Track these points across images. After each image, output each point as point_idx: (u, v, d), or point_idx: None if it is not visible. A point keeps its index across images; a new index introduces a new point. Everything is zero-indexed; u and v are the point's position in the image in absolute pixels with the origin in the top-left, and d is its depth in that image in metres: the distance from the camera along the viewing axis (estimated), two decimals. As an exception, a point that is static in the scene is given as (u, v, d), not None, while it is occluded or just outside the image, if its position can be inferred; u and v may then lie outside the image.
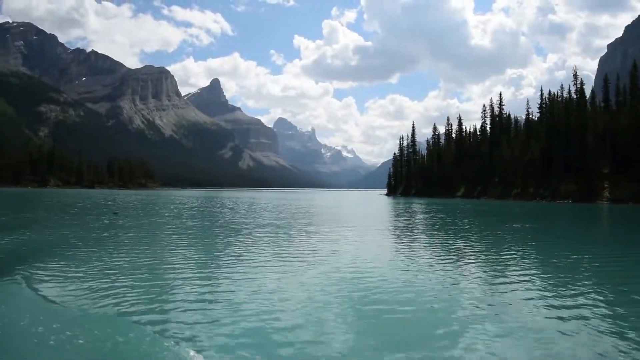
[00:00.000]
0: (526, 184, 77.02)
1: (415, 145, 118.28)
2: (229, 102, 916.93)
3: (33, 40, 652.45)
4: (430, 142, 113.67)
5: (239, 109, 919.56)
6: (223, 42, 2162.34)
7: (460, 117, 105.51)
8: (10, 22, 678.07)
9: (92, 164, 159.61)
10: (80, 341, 5.88)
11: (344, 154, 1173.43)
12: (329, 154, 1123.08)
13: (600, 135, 67.63)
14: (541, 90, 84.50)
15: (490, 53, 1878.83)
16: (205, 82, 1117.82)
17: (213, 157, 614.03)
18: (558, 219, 35.67)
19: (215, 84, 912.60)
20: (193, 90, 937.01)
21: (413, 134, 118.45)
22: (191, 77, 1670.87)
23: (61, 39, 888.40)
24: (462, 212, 41.28)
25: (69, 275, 10.28)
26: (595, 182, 66.23)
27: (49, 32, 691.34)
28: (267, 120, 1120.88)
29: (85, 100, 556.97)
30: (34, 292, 8.50)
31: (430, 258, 13.31)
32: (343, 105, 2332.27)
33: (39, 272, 10.40)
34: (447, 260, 12.84)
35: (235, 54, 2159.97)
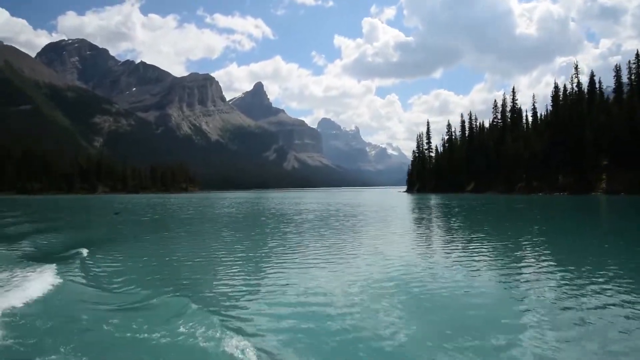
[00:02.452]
0: (530, 178, 77.73)
1: (431, 142, 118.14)
2: (273, 105, 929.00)
3: (87, 55, 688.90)
4: (445, 139, 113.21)
5: (282, 111, 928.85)
6: (264, 46, 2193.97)
7: (470, 113, 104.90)
8: (66, 39, 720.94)
9: (137, 171, 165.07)
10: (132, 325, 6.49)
11: (389, 151, 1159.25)
12: (373, 152, 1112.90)
13: (600, 129, 67.47)
14: (555, 85, 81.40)
15: (537, 42, 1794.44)
16: (248, 87, 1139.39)
17: (258, 159, 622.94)
18: (526, 213, 35.88)
19: (258, 88, 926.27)
20: (237, 94, 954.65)
21: (428, 132, 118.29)
22: (235, 82, 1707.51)
23: (112, 52, 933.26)
24: (443, 208, 42.74)
25: (123, 265, 12.38)
26: (592, 175, 66.92)
27: (100, 47, 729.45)
28: (311, 120, 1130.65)
29: (136, 110, 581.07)
30: (95, 279, 10.20)
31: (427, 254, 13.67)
32: (386, 103, 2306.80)
33: (100, 260, 12.72)
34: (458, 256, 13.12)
35: (277, 57, 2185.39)
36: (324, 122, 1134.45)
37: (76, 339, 5.86)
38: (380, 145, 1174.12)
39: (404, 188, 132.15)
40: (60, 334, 6.00)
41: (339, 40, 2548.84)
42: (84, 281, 9.69)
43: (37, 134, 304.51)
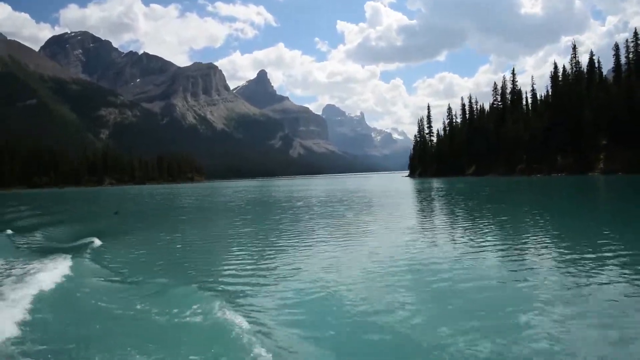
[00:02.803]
0: (530, 159, 77.90)
1: (432, 127, 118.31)
2: (277, 93, 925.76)
3: (90, 48, 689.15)
4: (446, 123, 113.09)
5: (287, 98, 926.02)
6: (267, 33, 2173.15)
7: (470, 96, 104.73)
8: (69, 32, 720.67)
9: (143, 162, 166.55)
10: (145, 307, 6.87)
11: (395, 136, 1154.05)
12: (379, 137, 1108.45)
13: (598, 108, 67.36)
14: (555, 65, 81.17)
15: (542, 21, 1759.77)
16: (252, 75, 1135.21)
17: (264, 147, 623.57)
18: (513, 195, 36.86)
19: (262, 76, 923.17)
20: (241, 83, 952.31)
21: (429, 116, 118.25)
22: (239, 70, 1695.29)
23: (115, 43, 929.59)
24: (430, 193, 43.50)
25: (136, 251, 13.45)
26: (591, 155, 66.93)
27: (103, 39, 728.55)
28: (316, 107, 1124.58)
29: (141, 101, 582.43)
30: (108, 264, 10.95)
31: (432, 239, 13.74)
32: (391, 87, 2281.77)
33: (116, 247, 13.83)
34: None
35: (280, 44, 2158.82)
36: (329, 108, 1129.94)
37: (90, 325, 6.08)
38: (386, 130, 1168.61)
39: (407, 173, 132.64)
40: (75, 320, 6.23)
41: (341, 25, 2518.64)
42: (97, 268, 10.24)
43: (43, 129, 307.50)
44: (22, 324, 5.75)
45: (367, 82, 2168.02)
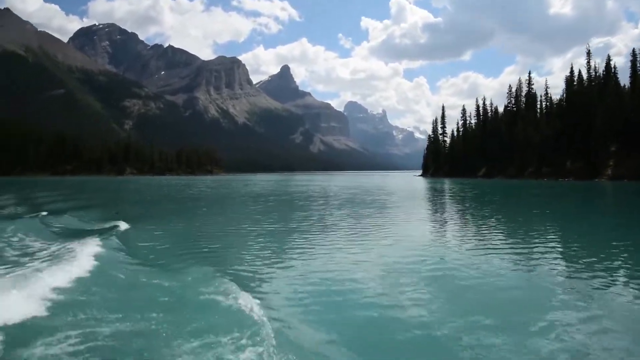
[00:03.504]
0: (540, 163, 77.69)
1: (445, 127, 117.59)
2: (299, 88, 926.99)
3: (117, 40, 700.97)
4: (460, 124, 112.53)
5: (309, 94, 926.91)
6: (291, 28, 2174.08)
7: (484, 98, 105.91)
8: (97, 24, 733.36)
9: (163, 153, 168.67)
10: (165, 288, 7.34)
11: (416, 135, 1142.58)
12: (400, 135, 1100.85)
13: (609, 114, 66.51)
14: (571, 68, 79.79)
15: (572, 22, 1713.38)
16: (275, 69, 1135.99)
17: (285, 142, 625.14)
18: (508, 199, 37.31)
19: (285, 71, 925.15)
20: (264, 77, 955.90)
21: (443, 117, 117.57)
22: (262, 65, 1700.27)
23: (141, 36, 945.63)
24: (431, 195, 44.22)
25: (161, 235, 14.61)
26: (600, 161, 66.48)
27: (130, 31, 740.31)
28: (337, 103, 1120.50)
29: (164, 93, 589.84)
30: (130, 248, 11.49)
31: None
32: (414, 86, 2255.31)
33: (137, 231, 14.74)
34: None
35: (303, 39, 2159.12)
36: (351, 105, 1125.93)
37: (117, 304, 6.46)
38: (408, 129, 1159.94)
39: (420, 172, 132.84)
40: (105, 300, 6.62)
41: (366, 22, 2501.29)
42: (124, 250, 10.95)
43: (70, 118, 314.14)
44: (58, 301, 6.17)
45: (390, 80, 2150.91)
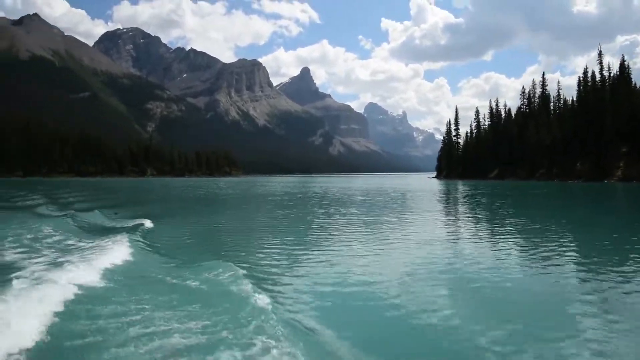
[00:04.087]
0: (551, 164, 77.68)
1: (459, 129, 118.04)
2: (319, 90, 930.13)
3: (140, 43, 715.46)
4: (473, 125, 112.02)
5: (329, 95, 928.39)
6: (311, 30, 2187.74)
7: (497, 99, 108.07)
8: (121, 28, 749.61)
9: (183, 155, 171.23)
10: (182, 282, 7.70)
11: (437, 136, 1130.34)
12: (421, 137, 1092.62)
13: (621, 115, 66.37)
14: (585, 70, 78.28)
15: (597, 20, 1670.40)
16: (295, 71, 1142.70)
17: (304, 144, 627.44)
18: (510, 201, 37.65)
19: (305, 73, 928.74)
20: (284, 80, 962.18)
21: (456, 119, 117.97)
22: (282, 67, 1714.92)
23: (164, 39, 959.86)
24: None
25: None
26: (609, 162, 66.29)
27: (153, 35, 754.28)
28: (357, 105, 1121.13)
29: (186, 95, 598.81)
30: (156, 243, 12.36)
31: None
32: (434, 87, 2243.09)
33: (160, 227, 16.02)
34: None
35: (323, 41, 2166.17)
36: (371, 106, 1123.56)
37: (146, 296, 6.77)
38: (428, 130, 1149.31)
39: (434, 174, 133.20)
40: (135, 292, 6.92)
41: (386, 23, 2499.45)
42: (150, 246, 11.69)
43: (95, 120, 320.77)
44: (92, 293, 6.62)
45: (410, 81, 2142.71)
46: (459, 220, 20.56)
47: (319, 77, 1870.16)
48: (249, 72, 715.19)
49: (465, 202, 32.54)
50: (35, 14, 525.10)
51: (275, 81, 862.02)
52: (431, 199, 34.89)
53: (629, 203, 32.60)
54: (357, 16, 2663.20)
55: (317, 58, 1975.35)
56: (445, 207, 27.97)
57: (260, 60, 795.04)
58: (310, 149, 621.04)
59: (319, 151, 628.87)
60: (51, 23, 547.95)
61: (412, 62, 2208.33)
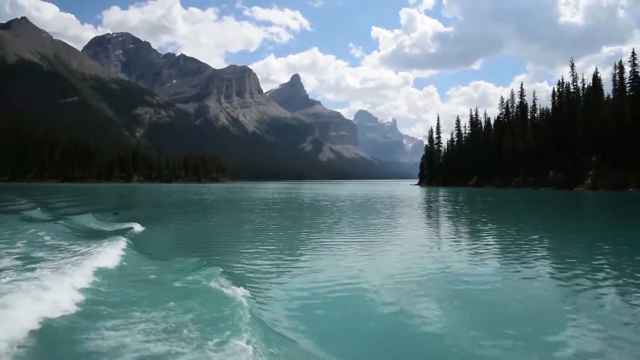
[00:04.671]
0: (527, 173, 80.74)
1: (440, 137, 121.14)
2: (309, 97, 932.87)
3: (130, 49, 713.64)
4: (454, 134, 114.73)
5: (319, 102, 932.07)
6: (302, 38, 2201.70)
7: (477, 109, 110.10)
8: (111, 33, 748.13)
9: (170, 161, 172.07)
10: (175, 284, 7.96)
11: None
12: (410, 144, 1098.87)
13: (591, 127, 69.30)
14: (559, 81, 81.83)
15: (583, 31, 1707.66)
16: (285, 78, 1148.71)
17: (294, 150, 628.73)
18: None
19: (295, 80, 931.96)
20: (274, 86, 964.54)
21: (438, 128, 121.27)
22: (272, 73, 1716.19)
23: (154, 45, 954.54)
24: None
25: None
26: (581, 171, 69.30)
27: (143, 40, 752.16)
28: (347, 112, 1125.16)
29: (176, 101, 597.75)
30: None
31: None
32: (424, 95, 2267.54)
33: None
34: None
35: (314, 48, 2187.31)
36: (361, 114, 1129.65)
37: (136, 293, 7.25)
38: (418, 138, 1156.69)
39: (417, 181, 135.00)
40: (126, 294, 7.21)
41: (376, 31, 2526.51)
42: (139, 249, 12.07)
43: (83, 125, 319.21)
44: (85, 294, 6.83)
45: (400, 89, 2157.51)
46: (413, 224, 21.75)
47: (309, 84, 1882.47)
48: (239, 78, 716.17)
49: (427, 206, 34.39)
50: (24, 18, 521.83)
51: (266, 88, 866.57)
52: (396, 205, 36.35)
53: (581, 209, 34.30)
54: (348, 24, 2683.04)
55: (307, 65, 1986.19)
56: (404, 212, 29.17)
57: (250, 66, 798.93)
58: (300, 155, 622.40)
59: (308, 158, 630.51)
60: (40, 27, 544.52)
61: (402, 70, 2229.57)
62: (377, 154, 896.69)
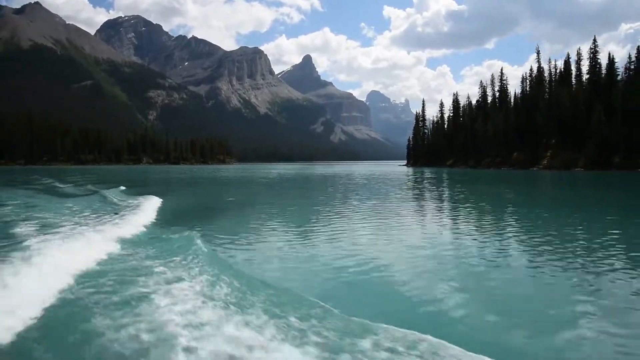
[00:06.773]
0: (495, 154, 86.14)
1: (425, 120, 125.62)
2: (321, 78, 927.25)
3: (142, 31, 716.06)
4: (438, 117, 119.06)
5: (330, 83, 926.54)
6: (313, 18, 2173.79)
7: (456, 93, 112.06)
8: (123, 16, 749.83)
9: (178, 143, 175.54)
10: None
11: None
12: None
13: (550, 111, 74.61)
14: (531, 68, 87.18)
15: (601, 7, 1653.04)
16: (297, 59, 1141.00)
17: (306, 132, 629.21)
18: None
19: (307, 61, 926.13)
20: (286, 67, 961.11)
21: (423, 110, 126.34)
22: (284, 54, 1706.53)
23: (165, 27, 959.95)
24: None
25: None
26: (540, 153, 74.82)
27: (154, 23, 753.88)
28: (359, 93, 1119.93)
29: (188, 84, 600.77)
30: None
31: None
32: (437, 75, 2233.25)
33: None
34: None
35: (325, 29, 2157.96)
36: (373, 94, 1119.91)
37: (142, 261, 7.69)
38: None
39: (405, 162, 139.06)
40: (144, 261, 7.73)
41: (388, 10, 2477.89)
42: (159, 217, 14.34)
43: (96, 109, 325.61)
44: (104, 260, 7.47)
45: (412, 69, 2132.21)
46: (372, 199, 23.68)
47: (321, 65, 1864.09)
48: (250, 60, 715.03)
49: (391, 185, 35.74)
50: (37, 2, 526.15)
51: (277, 69, 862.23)
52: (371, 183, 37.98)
53: (519, 187, 35.39)
54: (359, 4, 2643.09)
55: (319, 46, 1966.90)
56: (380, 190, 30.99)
57: (261, 48, 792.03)
58: (312, 136, 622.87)
59: (320, 139, 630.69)
60: (53, 11, 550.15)
61: (415, 49, 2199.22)
62: (389, 134, 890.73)
